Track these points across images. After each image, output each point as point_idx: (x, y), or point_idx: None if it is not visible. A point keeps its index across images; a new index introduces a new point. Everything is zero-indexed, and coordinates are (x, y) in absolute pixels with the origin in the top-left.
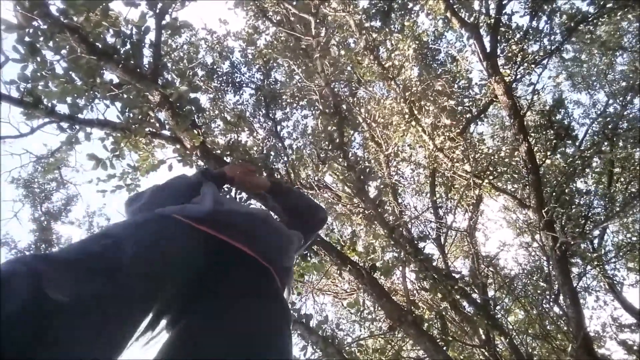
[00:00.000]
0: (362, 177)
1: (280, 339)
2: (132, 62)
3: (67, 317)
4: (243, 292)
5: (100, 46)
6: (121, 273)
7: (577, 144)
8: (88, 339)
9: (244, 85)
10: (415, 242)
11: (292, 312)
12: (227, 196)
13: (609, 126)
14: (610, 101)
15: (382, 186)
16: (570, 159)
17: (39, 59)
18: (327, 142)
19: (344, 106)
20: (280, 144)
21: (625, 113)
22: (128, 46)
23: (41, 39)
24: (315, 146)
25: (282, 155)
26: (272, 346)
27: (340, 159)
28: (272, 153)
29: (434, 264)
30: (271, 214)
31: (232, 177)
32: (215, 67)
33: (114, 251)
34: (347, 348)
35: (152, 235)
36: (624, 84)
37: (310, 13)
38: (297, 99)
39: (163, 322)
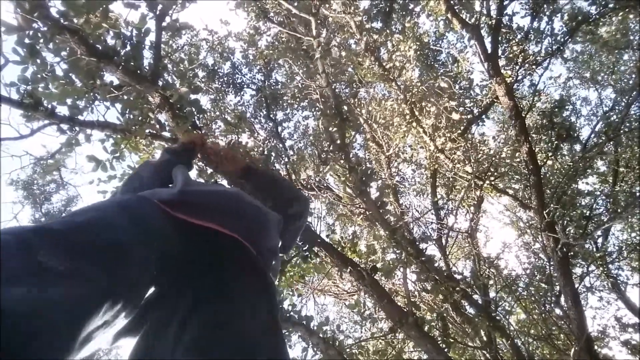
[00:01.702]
0: (364, 178)
1: (260, 320)
2: (132, 63)
3: (56, 285)
4: (221, 275)
5: (100, 48)
6: (104, 244)
7: (583, 142)
8: (73, 308)
9: (245, 86)
10: (417, 243)
11: (277, 294)
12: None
13: (612, 126)
14: (618, 98)
15: (383, 187)
16: (575, 158)
17: (39, 60)
18: (328, 143)
19: (345, 107)
20: (281, 145)
21: (630, 112)
22: (128, 48)
23: (41, 41)
24: (317, 147)
25: (283, 156)
26: (252, 330)
27: (342, 161)
28: (273, 154)
29: (436, 265)
30: (242, 191)
31: (192, 142)
32: (216, 68)
33: (99, 223)
34: (347, 350)
35: (134, 211)
36: (630, 82)
37: (311, 13)
38: (298, 99)
39: (135, 311)
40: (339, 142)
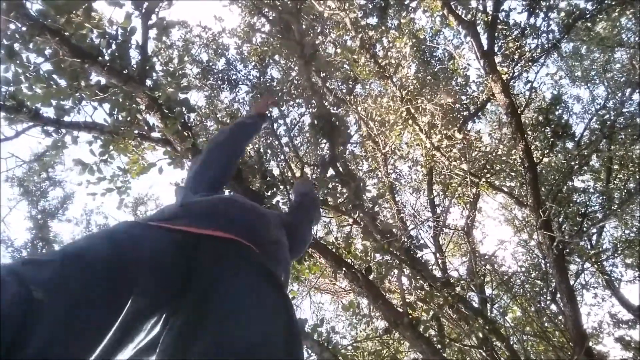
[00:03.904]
0: (357, 192)
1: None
2: (118, 63)
3: (47, 316)
4: (228, 282)
5: (84, 48)
6: (96, 273)
7: (576, 140)
8: (67, 336)
9: (240, 82)
10: (412, 252)
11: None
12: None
13: (607, 124)
14: (610, 96)
15: (376, 197)
16: (570, 156)
17: (18, 61)
18: (318, 159)
19: (335, 112)
20: (276, 142)
21: (623, 110)
22: (113, 47)
23: (20, 41)
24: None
25: (279, 153)
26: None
27: (333, 173)
28: (268, 151)
29: (432, 264)
30: (239, 195)
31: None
32: (210, 64)
33: (90, 253)
34: (343, 351)
35: (123, 239)
36: (623, 79)
37: (292, 13)
38: (293, 96)
39: (150, 322)
40: (329, 154)
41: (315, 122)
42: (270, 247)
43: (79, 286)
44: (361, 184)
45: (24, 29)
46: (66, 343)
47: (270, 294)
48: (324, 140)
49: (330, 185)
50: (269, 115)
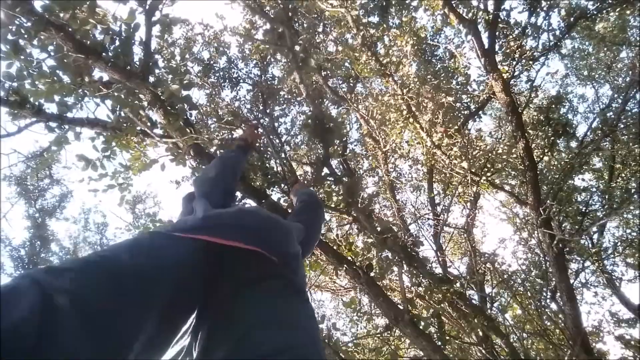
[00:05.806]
0: (349, 190)
1: (303, 332)
2: (122, 59)
3: (70, 322)
4: (251, 290)
5: (88, 44)
6: (118, 280)
7: (579, 139)
8: (91, 342)
9: (241, 80)
10: (409, 249)
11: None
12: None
13: (608, 122)
14: (615, 95)
15: (372, 195)
16: (571, 155)
17: (23, 57)
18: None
19: (329, 114)
20: (277, 140)
21: (625, 109)
22: (117, 44)
23: (25, 37)
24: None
25: (280, 151)
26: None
27: (327, 172)
28: (270, 150)
29: (431, 262)
30: (261, 207)
31: (248, 140)
32: (212, 62)
33: (111, 261)
34: (343, 348)
35: (146, 248)
36: (627, 78)
37: (284, 22)
38: (294, 94)
39: (177, 329)
40: (323, 155)
41: (309, 122)
42: (292, 261)
43: (98, 295)
44: (353, 182)
45: (28, 24)
46: (85, 351)
47: (294, 302)
48: (318, 141)
49: (325, 184)
50: (257, 143)
